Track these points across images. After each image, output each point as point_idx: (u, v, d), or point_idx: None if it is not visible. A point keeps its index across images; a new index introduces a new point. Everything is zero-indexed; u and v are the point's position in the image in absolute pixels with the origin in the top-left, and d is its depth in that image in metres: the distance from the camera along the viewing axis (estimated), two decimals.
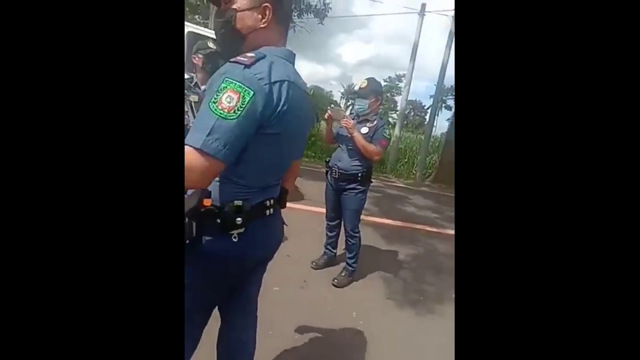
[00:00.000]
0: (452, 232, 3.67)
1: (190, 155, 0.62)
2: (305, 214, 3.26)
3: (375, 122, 1.94)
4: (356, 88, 2.03)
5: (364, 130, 1.92)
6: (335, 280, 2.08)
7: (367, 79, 2.00)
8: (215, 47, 1.78)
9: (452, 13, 7.31)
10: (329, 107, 2.07)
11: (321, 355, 1.48)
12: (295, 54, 0.81)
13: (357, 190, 2.00)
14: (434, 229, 3.69)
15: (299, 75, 0.78)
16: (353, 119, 1.95)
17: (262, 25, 0.74)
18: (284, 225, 0.93)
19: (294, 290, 1.94)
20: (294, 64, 0.79)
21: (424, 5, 7.88)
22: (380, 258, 2.61)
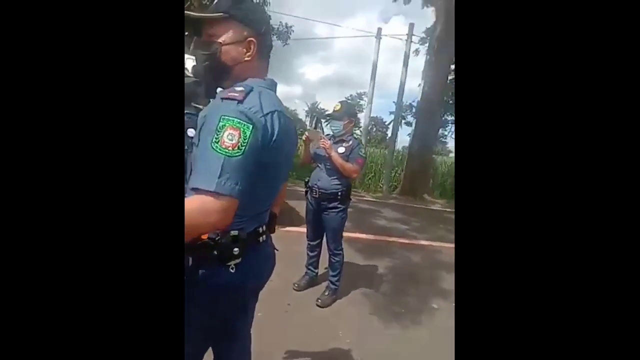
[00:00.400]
0: (423, 242, 3.83)
1: (206, 199, 0.61)
2: (281, 234, 3.22)
3: (350, 142, 2.02)
4: (330, 111, 2.12)
5: (341, 149, 1.99)
6: (319, 301, 2.06)
7: (341, 102, 2.08)
8: (192, 76, 1.76)
9: (405, 37, 7.89)
10: (306, 129, 2.13)
11: None
12: (277, 83, 0.84)
13: (338, 209, 2.03)
14: (406, 240, 3.81)
15: (281, 102, 0.81)
16: (329, 140, 2.00)
17: (246, 59, 0.76)
18: (275, 251, 0.93)
19: (278, 314, 1.89)
20: (275, 92, 0.82)
21: (379, 30, 8.42)
22: (359, 273, 2.64)
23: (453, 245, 3.79)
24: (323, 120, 2.19)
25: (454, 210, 6.47)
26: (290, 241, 2.99)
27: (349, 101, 2.25)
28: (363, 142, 8.57)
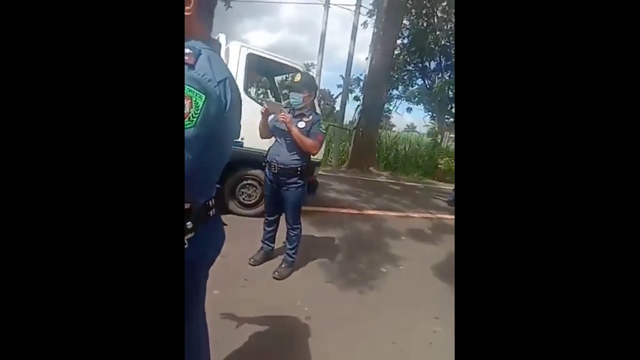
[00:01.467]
0: (371, 212, 4.05)
1: None
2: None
3: (311, 117, 1.95)
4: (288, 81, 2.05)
5: (301, 124, 1.92)
6: (276, 273, 2.08)
7: (301, 73, 1.98)
8: None
9: (354, 8, 7.79)
10: (264, 101, 2.00)
11: (275, 346, 1.49)
12: (221, 44, 0.78)
13: (297, 185, 1.99)
14: (355, 211, 4.00)
15: (228, 68, 0.76)
16: (289, 112, 1.92)
17: (186, 14, 0.68)
18: (225, 225, 0.91)
19: (235, 290, 1.87)
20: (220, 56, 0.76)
21: None
22: (314, 244, 2.71)
23: (396, 214, 4.09)
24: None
25: (396, 181, 6.95)
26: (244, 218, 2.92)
27: (310, 73, 2.16)
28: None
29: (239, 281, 1.97)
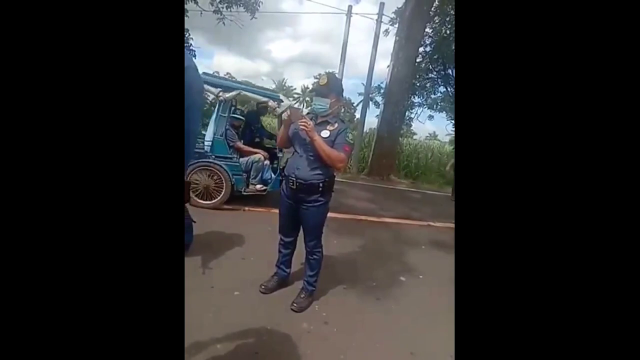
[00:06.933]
0: (390, 220, 4.00)
1: None
2: (252, 214, 3.19)
3: (336, 125, 1.66)
4: (298, 90, 2.00)
5: (325, 134, 1.64)
6: (295, 305, 1.82)
7: (327, 75, 1.67)
8: None
9: (376, 17, 7.85)
10: (289, 107, 1.87)
11: (291, 349, 1.50)
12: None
13: (319, 202, 1.70)
14: (375, 219, 3.96)
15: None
16: (311, 119, 1.65)
17: None
18: (193, 223, 0.91)
19: (255, 292, 1.91)
20: None
21: (350, 7, 8.27)
22: (333, 251, 2.72)
23: (414, 222, 4.01)
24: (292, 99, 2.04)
25: (417, 189, 6.83)
26: (263, 221, 2.98)
27: (310, 77, 2.07)
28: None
29: (259, 283, 2.00)
